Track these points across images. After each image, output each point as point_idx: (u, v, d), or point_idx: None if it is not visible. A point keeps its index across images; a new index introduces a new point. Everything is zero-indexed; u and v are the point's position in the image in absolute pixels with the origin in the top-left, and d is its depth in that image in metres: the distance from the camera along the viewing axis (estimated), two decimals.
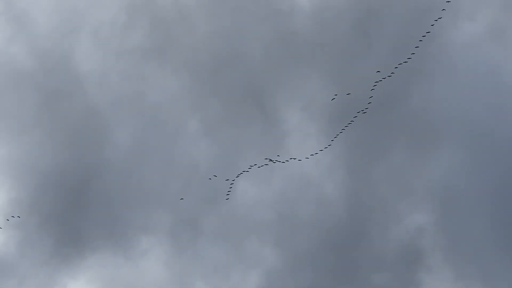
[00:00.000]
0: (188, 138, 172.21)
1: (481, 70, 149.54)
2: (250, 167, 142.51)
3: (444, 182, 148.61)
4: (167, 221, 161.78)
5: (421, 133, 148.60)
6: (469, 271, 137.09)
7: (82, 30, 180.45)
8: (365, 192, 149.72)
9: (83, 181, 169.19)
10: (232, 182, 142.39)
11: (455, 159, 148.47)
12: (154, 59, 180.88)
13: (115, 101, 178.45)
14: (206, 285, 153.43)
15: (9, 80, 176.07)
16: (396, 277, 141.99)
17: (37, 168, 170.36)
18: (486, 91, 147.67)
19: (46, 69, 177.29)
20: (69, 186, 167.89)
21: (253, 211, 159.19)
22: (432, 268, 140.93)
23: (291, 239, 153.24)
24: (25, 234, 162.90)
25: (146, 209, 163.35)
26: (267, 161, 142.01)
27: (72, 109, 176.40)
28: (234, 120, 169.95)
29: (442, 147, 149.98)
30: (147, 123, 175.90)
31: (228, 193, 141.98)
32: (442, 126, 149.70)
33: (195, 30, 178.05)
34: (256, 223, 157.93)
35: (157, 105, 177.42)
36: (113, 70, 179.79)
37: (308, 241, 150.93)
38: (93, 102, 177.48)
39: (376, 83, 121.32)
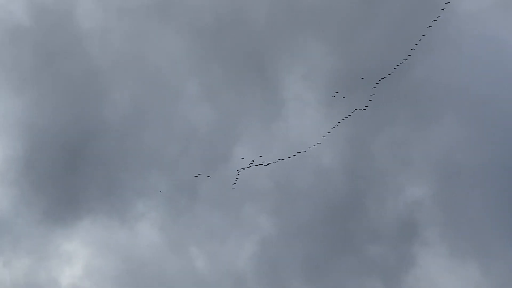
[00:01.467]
0: (188, 101, 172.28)
1: (487, 42, 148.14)
2: (253, 165, 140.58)
3: (444, 155, 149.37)
4: (164, 185, 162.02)
5: (423, 104, 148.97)
6: (464, 247, 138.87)
7: None
8: (364, 163, 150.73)
9: (81, 141, 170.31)
10: (238, 172, 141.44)
11: (456, 132, 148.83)
12: (156, 19, 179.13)
13: (116, 61, 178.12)
14: (201, 251, 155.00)
15: (9, 37, 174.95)
16: (391, 250, 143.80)
17: (35, 126, 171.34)
18: (491, 64, 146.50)
19: (46, 27, 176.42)
20: (67, 145, 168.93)
21: (251, 179, 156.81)
22: (427, 242, 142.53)
23: (288, 208, 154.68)
24: (21, 193, 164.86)
25: (143, 172, 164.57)
26: (274, 159, 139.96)
27: (71, 67, 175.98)
28: (235, 85, 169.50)
29: (443, 120, 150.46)
30: (147, 84, 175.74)
31: (235, 182, 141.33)
32: (444, 98, 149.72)
33: None
34: (254, 191, 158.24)
35: (158, 66, 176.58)
36: (115, 29, 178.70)
37: (304, 211, 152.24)
38: (93, 61, 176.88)
39: (381, 80, 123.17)
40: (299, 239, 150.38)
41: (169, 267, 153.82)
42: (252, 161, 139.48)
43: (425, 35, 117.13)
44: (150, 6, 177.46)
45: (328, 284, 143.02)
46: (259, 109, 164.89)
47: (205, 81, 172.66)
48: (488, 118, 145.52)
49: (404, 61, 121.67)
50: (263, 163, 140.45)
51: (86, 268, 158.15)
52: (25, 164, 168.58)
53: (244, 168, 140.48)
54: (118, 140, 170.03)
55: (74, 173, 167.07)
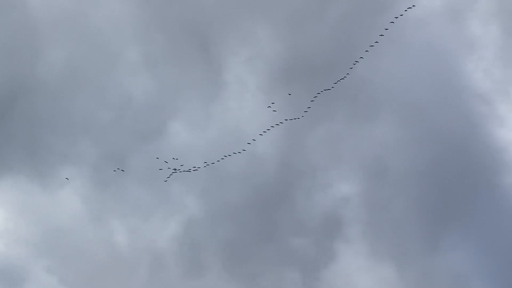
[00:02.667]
0: (126, 68, 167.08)
1: (430, 49, 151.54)
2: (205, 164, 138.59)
3: (375, 155, 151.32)
4: (92, 153, 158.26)
5: (361, 104, 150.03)
6: (383, 248, 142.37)
7: None
8: (298, 155, 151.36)
9: (10, 96, 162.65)
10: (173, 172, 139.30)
11: (389, 134, 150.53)
12: None
13: (55, 17, 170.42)
14: (123, 225, 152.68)
15: None
16: (314, 243, 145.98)
17: None
18: (431, 71, 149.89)
19: None
20: None
21: (183, 156, 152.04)
22: (349, 240, 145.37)
23: (216, 191, 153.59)
24: None
25: (71, 137, 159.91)
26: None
27: (7, 19, 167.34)
28: (176, 59, 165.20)
29: (379, 120, 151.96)
30: (86, 46, 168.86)
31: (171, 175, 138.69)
32: (382, 100, 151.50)
33: None
34: (187, 164, 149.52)
35: (99, 28, 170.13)
36: None
37: (232, 196, 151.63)
38: (31, 15, 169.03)
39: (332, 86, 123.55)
40: (224, 223, 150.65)
41: (88, 239, 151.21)
42: (182, 165, 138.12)
43: (377, 42, 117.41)
44: None
45: (248, 270, 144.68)
46: (199, 87, 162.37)
47: (146, 50, 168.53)
48: (421, 123, 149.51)
49: (355, 63, 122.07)
50: (193, 169, 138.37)
51: None
52: None
53: (175, 170, 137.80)
54: (49, 101, 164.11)
55: None
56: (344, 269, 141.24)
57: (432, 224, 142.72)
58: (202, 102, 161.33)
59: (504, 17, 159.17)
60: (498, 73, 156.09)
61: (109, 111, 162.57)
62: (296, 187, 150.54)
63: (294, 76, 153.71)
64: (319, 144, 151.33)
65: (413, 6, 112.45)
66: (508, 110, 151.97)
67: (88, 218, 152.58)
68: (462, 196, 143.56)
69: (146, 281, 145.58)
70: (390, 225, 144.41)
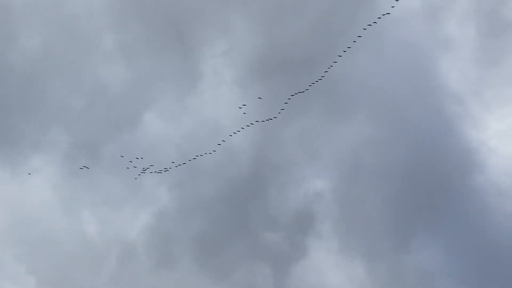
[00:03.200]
0: (101, 56, 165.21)
1: (407, 47, 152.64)
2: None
3: (350, 152, 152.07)
4: (64, 142, 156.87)
5: (338, 100, 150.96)
6: (353, 244, 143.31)
7: None
8: (273, 150, 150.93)
9: None
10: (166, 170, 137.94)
11: (364, 131, 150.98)
12: None
13: (29, 2, 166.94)
14: (93, 216, 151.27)
15: None
16: (286, 238, 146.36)
17: None
18: (409, 69, 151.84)
19: None
20: None
21: (157, 147, 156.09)
22: (321, 236, 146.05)
23: (189, 183, 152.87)
24: None
25: (44, 125, 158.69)
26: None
27: None
28: (152, 48, 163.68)
29: (354, 117, 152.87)
30: (61, 32, 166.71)
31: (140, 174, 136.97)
32: (359, 97, 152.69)
33: None
34: (157, 159, 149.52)
35: (75, 15, 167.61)
36: None
37: (206, 188, 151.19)
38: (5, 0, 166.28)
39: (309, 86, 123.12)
40: (196, 216, 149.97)
41: (57, 229, 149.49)
42: (151, 166, 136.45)
43: (355, 42, 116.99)
44: None
45: (219, 264, 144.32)
46: (175, 79, 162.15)
47: (122, 39, 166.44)
48: (396, 121, 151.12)
49: (331, 66, 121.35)
50: (163, 170, 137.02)
51: None
52: None
53: (144, 171, 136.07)
54: (21, 87, 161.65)
55: None
56: (315, 264, 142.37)
57: (403, 222, 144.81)
58: (178, 94, 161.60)
59: (481, 18, 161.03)
60: (473, 74, 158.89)
61: (82, 99, 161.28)
62: (270, 182, 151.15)
63: (271, 70, 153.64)
64: (294, 140, 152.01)
65: (388, 13, 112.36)
66: (481, 111, 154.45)
67: (58, 207, 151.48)
68: (433, 195, 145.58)
69: (116, 272, 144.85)
70: (362, 222, 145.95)
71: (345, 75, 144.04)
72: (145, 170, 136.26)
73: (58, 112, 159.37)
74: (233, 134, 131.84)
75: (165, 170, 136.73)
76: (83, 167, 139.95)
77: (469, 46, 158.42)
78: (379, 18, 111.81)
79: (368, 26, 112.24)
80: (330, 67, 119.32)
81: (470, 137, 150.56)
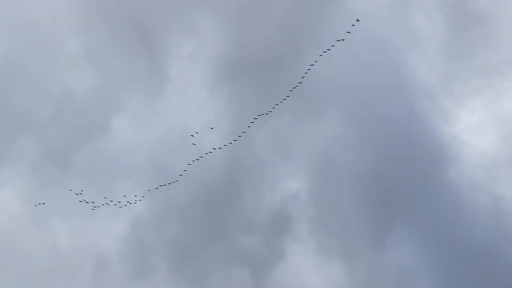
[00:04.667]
0: (66, 61, 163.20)
1: (375, 41, 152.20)
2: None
3: (323, 150, 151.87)
4: (32, 151, 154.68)
5: (309, 98, 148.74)
6: (331, 245, 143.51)
7: None
8: (245, 151, 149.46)
9: None
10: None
11: (337, 129, 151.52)
12: None
13: None
14: (65, 226, 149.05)
15: None
16: (262, 241, 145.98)
17: None
18: (378, 65, 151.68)
19: None
20: None
21: (128, 154, 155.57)
22: (298, 237, 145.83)
23: (162, 189, 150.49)
24: None
25: (10, 135, 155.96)
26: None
27: None
28: (118, 51, 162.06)
29: (326, 115, 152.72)
30: (23, 38, 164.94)
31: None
32: (330, 95, 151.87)
33: None
34: (128, 166, 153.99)
35: (37, 20, 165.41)
36: None
37: (179, 193, 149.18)
38: None
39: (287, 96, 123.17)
40: (171, 223, 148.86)
41: (29, 241, 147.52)
42: (119, 202, 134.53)
43: (331, 47, 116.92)
44: None
45: (196, 270, 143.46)
46: (142, 82, 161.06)
47: (87, 42, 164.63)
48: (367, 118, 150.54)
49: (306, 72, 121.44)
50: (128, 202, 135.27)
51: None
52: None
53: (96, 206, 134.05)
54: None
55: None
56: (293, 267, 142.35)
57: (378, 219, 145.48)
58: (146, 98, 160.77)
59: (449, 10, 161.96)
60: (442, 68, 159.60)
61: (49, 106, 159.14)
62: (244, 185, 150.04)
63: (240, 71, 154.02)
64: (267, 140, 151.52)
65: (358, 20, 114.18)
66: (452, 105, 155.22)
67: (29, 219, 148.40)
68: (407, 191, 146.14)
69: (91, 283, 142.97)
70: (338, 221, 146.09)
71: (314, 73, 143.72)
72: (102, 204, 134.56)
73: (24, 121, 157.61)
74: (209, 152, 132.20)
75: (134, 201, 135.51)
76: (38, 204, 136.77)
77: (438, 39, 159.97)
78: (348, 32, 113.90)
79: (336, 42, 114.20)
80: (307, 72, 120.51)
81: (442, 131, 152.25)
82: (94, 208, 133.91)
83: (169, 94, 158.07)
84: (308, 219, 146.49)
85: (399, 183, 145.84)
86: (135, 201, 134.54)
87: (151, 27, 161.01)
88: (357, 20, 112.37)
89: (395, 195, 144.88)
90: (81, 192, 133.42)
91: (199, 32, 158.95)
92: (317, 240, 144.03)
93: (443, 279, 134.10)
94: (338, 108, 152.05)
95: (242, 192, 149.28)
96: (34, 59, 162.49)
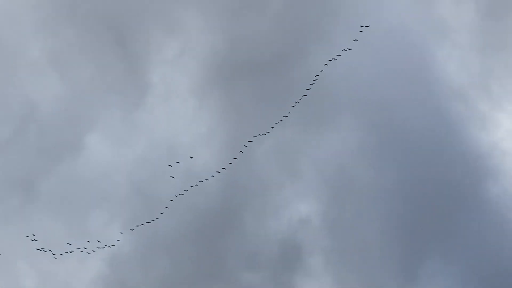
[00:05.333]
0: (28, 70, 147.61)
1: (396, 34, 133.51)
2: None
3: (337, 166, 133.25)
4: None
5: (317, 105, 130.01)
6: (350, 280, 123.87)
7: None
8: (244, 171, 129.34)
9: None
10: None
11: (353, 141, 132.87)
12: None
13: None
14: (32, 268, 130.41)
15: None
16: (269, 279, 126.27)
17: None
18: (399, 62, 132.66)
19: None
20: None
21: (105, 177, 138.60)
22: (310, 272, 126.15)
23: (147, 217, 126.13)
24: None
25: None
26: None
27: None
28: (90, 55, 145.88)
29: (339, 125, 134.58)
30: None
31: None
32: (342, 100, 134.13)
33: None
34: (106, 192, 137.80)
35: None
36: None
37: (167, 223, 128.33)
38: None
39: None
40: (158, 259, 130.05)
41: None
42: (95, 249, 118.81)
43: (349, 49, 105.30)
44: None
45: None
46: (119, 92, 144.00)
47: (52, 46, 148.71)
48: (389, 126, 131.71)
49: (315, 80, 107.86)
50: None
51: None
52: None
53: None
54: None
55: None
56: None
57: (407, 248, 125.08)
58: (124, 110, 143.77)
59: None
60: (475, 64, 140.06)
61: (8, 124, 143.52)
62: (245, 210, 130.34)
63: (233, 76, 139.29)
64: (270, 156, 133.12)
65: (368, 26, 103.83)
66: (489, 108, 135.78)
67: None
68: (441, 212, 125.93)
69: None
70: (358, 252, 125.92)
71: (324, 73, 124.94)
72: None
73: None
74: (204, 180, 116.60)
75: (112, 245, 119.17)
76: None
77: (469, 30, 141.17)
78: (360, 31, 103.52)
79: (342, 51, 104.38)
80: (315, 79, 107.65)
81: (478, 140, 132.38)
82: (55, 257, 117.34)
83: (151, 105, 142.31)
84: (322, 250, 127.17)
85: (429, 204, 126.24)
86: (108, 246, 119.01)
87: (127, 26, 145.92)
88: (366, 26, 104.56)
89: (425, 219, 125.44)
90: (35, 239, 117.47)
91: (186, 30, 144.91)
92: (334, 275, 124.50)
93: None
94: (353, 115, 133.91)
95: (243, 220, 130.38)
96: None
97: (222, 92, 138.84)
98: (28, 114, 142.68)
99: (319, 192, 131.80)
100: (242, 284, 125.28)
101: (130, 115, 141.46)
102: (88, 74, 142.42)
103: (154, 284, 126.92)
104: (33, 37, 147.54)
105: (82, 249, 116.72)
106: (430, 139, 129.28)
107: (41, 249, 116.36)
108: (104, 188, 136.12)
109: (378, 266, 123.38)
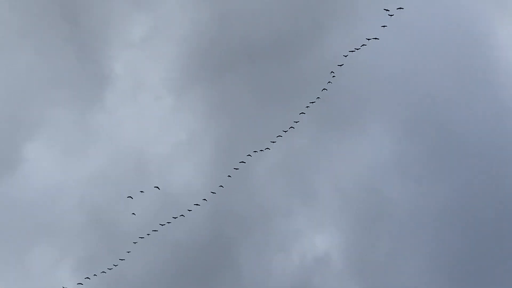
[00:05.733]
0: None
1: (448, 12, 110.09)
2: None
3: (364, 184, 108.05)
4: None
5: (337, 108, 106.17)
6: None
7: None
8: (243, 194, 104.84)
9: None
10: None
11: (386, 151, 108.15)
12: None
13: None
14: None
15: None
16: None
17: None
18: (449, 48, 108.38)
19: None
20: None
21: (51, 201, 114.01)
22: None
23: (111, 258, 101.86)
24: None
25: None
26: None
27: None
28: (30, 41, 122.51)
29: (367, 132, 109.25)
30: None
31: None
32: (372, 97, 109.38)
33: None
34: (52, 221, 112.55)
35: None
36: None
37: (137, 264, 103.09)
38: None
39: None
40: None
41: None
42: None
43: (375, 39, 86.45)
44: None
45: None
46: (70, 87, 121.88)
47: None
48: (436, 132, 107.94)
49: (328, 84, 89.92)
50: None
51: None
52: None
53: None
54: None
55: None
56: None
57: None
58: (75, 110, 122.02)
59: None
60: None
61: None
62: (241, 246, 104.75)
63: (226, 66, 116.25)
64: (274, 174, 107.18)
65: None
66: None
67: None
68: (505, 246, 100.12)
69: None
70: None
71: (347, 61, 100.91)
72: None
73: None
74: (193, 207, 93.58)
75: None
76: None
77: None
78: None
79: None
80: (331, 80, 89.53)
81: None
82: None
83: (112, 103, 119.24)
84: None
85: (490, 235, 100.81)
86: None
87: (77, 2, 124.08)
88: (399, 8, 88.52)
89: (485, 256, 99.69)
90: None
91: (157, 6, 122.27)
92: None
93: None
94: (385, 117, 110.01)
95: (238, 259, 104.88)
96: None
97: (207, 87, 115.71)
98: None
99: (340, 220, 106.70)
100: None
101: (83, 117, 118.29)
102: (27, 62, 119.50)
103: None
104: None
105: None
106: (489, 148, 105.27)
107: None
108: (49, 215, 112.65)
109: None
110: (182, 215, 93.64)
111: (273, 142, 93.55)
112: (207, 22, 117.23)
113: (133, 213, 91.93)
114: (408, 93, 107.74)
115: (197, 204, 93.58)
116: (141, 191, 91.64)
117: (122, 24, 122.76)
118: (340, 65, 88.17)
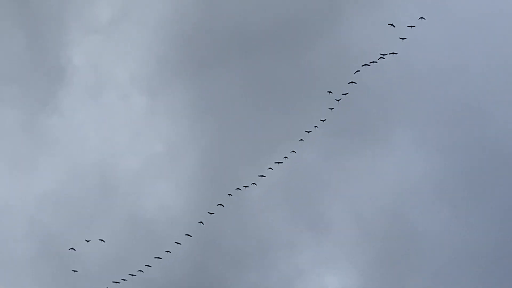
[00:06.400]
0: None
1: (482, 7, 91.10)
2: None
3: (387, 210, 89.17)
4: None
5: (356, 110, 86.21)
6: None
7: None
8: (234, 225, 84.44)
9: None
10: None
11: (412, 166, 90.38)
12: None
13: None
14: None
15: None
16: None
17: None
18: (490, 50, 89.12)
19: None
20: None
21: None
22: None
23: None
24: None
25: None
26: None
27: None
28: None
29: (389, 140, 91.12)
30: None
31: None
32: (397, 102, 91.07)
33: None
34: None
35: None
36: None
37: None
38: None
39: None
40: None
41: None
42: None
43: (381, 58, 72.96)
44: None
45: None
46: (17, 83, 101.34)
47: None
48: (475, 140, 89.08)
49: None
50: None
51: None
52: None
53: None
54: None
55: None
56: None
57: None
58: (25, 113, 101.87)
59: None
60: None
61: None
62: (238, 286, 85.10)
63: (210, 59, 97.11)
64: (276, 198, 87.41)
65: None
66: None
67: None
68: None
69: None
70: None
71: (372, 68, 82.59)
72: None
73: None
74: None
75: None
76: None
77: None
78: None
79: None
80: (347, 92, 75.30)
81: None
82: None
83: (70, 104, 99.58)
84: None
85: None
86: None
87: None
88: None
89: None
90: None
91: None
92: None
93: None
94: (414, 126, 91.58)
95: None
96: None
97: (190, 85, 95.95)
98: None
99: (357, 255, 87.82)
100: None
101: (33, 120, 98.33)
102: None
103: None
104: None
105: None
106: None
107: None
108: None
109: None
110: (158, 257, 75.42)
111: (280, 163, 75.15)
112: (190, 2, 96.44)
113: (72, 248, 74.00)
114: (443, 98, 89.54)
115: (178, 243, 74.81)
116: (87, 240, 72.65)
117: (83, 4, 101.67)
118: (370, 64, 70.55)
